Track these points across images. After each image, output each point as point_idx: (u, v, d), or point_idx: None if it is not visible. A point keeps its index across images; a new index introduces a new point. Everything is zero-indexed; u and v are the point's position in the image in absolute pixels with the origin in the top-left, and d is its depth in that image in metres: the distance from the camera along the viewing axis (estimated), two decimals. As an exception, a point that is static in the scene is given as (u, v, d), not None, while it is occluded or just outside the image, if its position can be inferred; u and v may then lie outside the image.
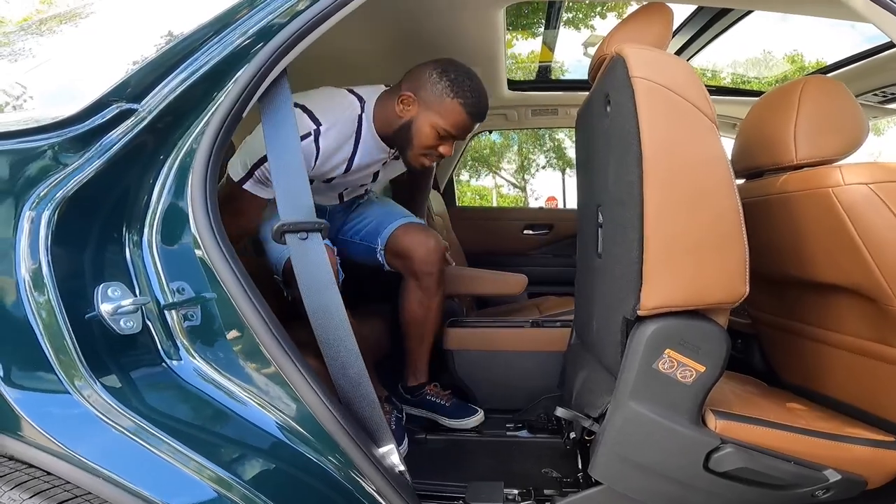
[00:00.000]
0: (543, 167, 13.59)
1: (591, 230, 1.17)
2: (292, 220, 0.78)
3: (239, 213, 1.23)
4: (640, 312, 0.82)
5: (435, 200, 2.28)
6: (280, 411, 0.73)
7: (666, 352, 0.84)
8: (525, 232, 2.65)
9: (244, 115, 0.77)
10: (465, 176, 13.19)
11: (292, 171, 0.79)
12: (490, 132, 2.71)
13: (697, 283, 0.80)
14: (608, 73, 0.97)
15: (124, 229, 0.70)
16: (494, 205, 13.54)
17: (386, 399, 1.48)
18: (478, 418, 1.52)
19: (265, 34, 0.78)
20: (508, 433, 1.50)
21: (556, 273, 2.54)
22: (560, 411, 1.08)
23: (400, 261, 1.46)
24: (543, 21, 2.37)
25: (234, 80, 0.74)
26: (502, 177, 13.83)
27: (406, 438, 1.40)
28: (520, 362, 1.59)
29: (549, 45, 2.42)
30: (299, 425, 0.73)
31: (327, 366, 0.80)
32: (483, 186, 13.82)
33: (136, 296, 0.69)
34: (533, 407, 1.57)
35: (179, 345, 0.71)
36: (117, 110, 0.70)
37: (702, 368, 0.84)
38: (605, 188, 1.01)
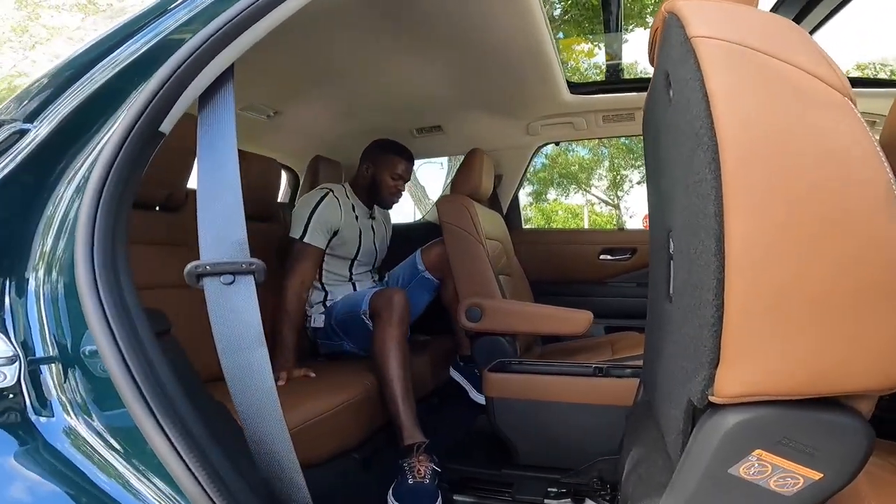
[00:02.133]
0: (639, 182, 12.62)
1: (662, 264, 0.87)
2: (213, 259, 0.58)
3: (304, 272, 1.60)
4: (712, 399, 0.52)
5: (494, 223, 2.02)
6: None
7: (755, 453, 0.52)
8: (602, 257, 2.29)
9: (164, 129, 0.60)
10: (552, 195, 12.72)
11: (222, 195, 0.60)
12: (557, 143, 2.39)
13: (821, 364, 0.47)
14: (663, 43, 0.70)
15: (4, 277, 0.56)
16: (586, 222, 12.84)
17: (424, 448, 1.35)
18: None
19: (196, 21, 0.61)
20: (548, 500, 1.28)
21: (637, 305, 2.15)
22: None
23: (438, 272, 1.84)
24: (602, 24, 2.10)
25: (145, 82, 0.58)
26: (593, 194, 13.07)
27: (440, 497, 1.28)
28: (575, 416, 1.35)
29: (610, 49, 2.12)
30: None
31: (248, 442, 0.60)
32: (578, 205, 13.15)
33: (14, 347, 0.55)
34: (586, 469, 1.30)
35: (54, 400, 0.56)
36: (8, 132, 0.57)
37: (816, 476, 0.51)
38: (675, 206, 0.72)
